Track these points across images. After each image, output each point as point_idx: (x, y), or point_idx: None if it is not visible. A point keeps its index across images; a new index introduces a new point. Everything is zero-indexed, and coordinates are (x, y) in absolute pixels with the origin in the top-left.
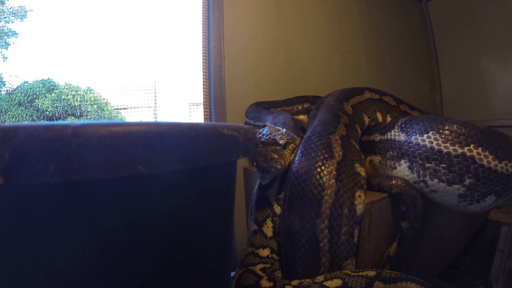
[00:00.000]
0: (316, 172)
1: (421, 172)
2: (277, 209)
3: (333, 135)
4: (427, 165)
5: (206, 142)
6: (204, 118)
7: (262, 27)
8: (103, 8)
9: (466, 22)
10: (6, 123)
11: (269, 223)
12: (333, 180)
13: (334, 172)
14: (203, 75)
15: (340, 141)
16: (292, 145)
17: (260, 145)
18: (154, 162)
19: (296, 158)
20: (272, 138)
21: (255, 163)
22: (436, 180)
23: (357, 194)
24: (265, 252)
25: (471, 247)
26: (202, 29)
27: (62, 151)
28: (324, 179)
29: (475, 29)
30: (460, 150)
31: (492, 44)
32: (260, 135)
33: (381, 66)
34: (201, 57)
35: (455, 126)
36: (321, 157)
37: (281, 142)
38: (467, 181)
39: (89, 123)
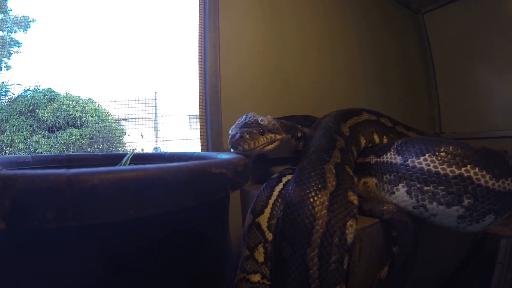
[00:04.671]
0: (308, 202)
1: (419, 197)
2: (269, 236)
3: (327, 164)
4: (425, 188)
5: (194, 184)
6: (201, 139)
7: (258, 46)
8: (105, 20)
9: (463, 33)
10: (6, 132)
11: (260, 249)
12: (325, 211)
13: (326, 203)
14: (199, 95)
15: (334, 170)
16: (272, 135)
17: (242, 125)
18: (143, 207)
19: (290, 187)
20: (254, 119)
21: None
22: (435, 203)
23: (348, 223)
24: (256, 278)
25: (469, 262)
26: (198, 50)
27: (58, 200)
28: (316, 209)
29: (471, 40)
30: (457, 171)
31: (489, 55)
32: (246, 116)
33: (378, 82)
34: (197, 78)
35: (451, 147)
36: (315, 188)
37: (261, 123)
38: (466, 202)
39: (81, 171)
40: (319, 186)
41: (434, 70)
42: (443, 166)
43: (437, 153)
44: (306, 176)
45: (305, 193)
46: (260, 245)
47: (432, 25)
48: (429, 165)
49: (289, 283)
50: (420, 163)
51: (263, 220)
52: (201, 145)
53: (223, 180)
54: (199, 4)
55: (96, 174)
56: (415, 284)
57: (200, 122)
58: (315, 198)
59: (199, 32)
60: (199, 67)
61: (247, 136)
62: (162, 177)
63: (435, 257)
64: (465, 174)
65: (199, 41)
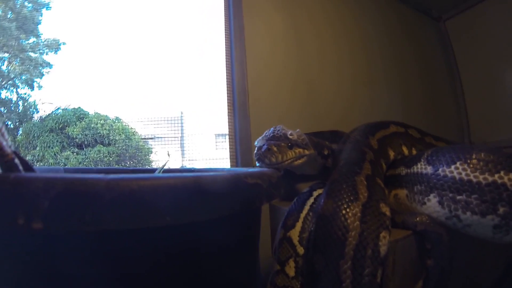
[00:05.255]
0: (341, 214)
1: (452, 206)
2: (300, 250)
3: (358, 176)
4: (458, 197)
5: (230, 193)
6: (230, 155)
7: (284, 62)
8: (132, 41)
9: (487, 37)
10: (37, 148)
11: (291, 263)
12: (357, 222)
13: (359, 214)
14: (227, 112)
15: (365, 182)
16: (300, 150)
17: (270, 138)
18: (180, 214)
19: (322, 200)
20: (283, 133)
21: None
22: (469, 213)
23: (381, 235)
24: None
25: (508, 275)
26: (226, 68)
27: (97, 204)
28: (348, 221)
29: (497, 44)
30: (490, 178)
31: None
32: (274, 128)
33: (403, 94)
34: (225, 95)
35: (482, 154)
36: (347, 199)
37: (290, 137)
38: (501, 210)
39: (121, 177)
40: (351, 198)
41: (460, 78)
42: (475, 173)
43: (468, 161)
44: (337, 188)
45: (337, 205)
46: (291, 259)
47: (455, 31)
48: (460, 173)
49: None
50: (451, 171)
51: (294, 234)
52: (230, 162)
53: (259, 190)
54: (225, 22)
55: (135, 180)
56: None
57: (229, 138)
58: (348, 209)
59: (225, 50)
60: (227, 84)
61: (275, 149)
62: (199, 185)
63: (471, 270)
64: (499, 181)
65: (226, 59)
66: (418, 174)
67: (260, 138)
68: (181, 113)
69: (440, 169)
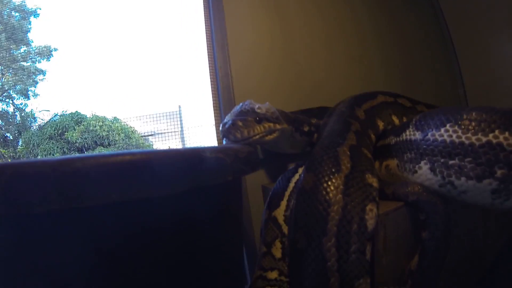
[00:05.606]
0: (322, 187)
1: (445, 173)
2: (286, 229)
3: (340, 147)
4: (450, 162)
5: (184, 167)
6: (218, 140)
7: (266, 41)
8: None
9: (479, 4)
10: (38, 156)
11: (277, 244)
12: (340, 195)
13: (341, 187)
14: (212, 96)
15: (348, 152)
16: (270, 124)
17: (237, 113)
18: (128, 190)
19: (302, 174)
20: (250, 107)
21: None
22: (463, 179)
23: (368, 208)
24: (273, 275)
25: None
26: (207, 51)
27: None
28: (330, 194)
29: (489, 11)
30: (484, 139)
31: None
32: (242, 104)
33: (396, 66)
34: (209, 79)
35: (473, 113)
36: (328, 172)
37: (258, 111)
38: (499, 173)
39: (65, 157)
40: (333, 170)
41: (454, 48)
42: (467, 135)
43: (459, 122)
44: (318, 161)
45: (318, 178)
46: (277, 240)
47: (447, 2)
48: (451, 136)
49: (306, 278)
50: (441, 135)
51: (279, 213)
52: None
53: (221, 165)
54: (204, 7)
55: (79, 160)
56: (450, 278)
57: (215, 122)
58: (329, 182)
59: (206, 35)
60: (209, 69)
61: (240, 124)
62: (148, 161)
63: (472, 243)
64: (494, 141)
65: (207, 44)
66: (407, 141)
67: (227, 114)
68: (179, 107)
69: (430, 134)
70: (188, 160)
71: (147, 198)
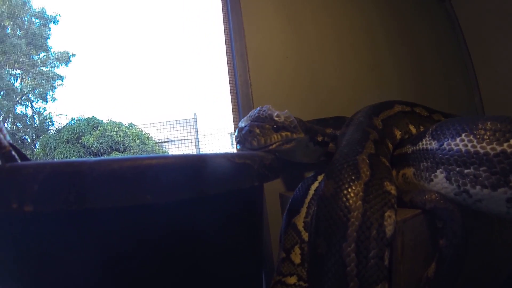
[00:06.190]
0: (342, 194)
1: (460, 181)
2: (305, 236)
3: (360, 155)
4: (466, 171)
5: (215, 172)
6: (235, 147)
7: (283, 50)
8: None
9: (493, 10)
10: (55, 159)
11: (297, 250)
12: (360, 202)
13: (361, 194)
14: (231, 104)
15: (367, 161)
16: (288, 133)
17: (254, 118)
18: (162, 192)
19: (322, 182)
20: (268, 113)
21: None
22: (478, 187)
23: (386, 214)
24: (292, 280)
25: None
26: (227, 60)
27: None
28: (350, 201)
29: (504, 16)
30: (499, 148)
31: None
32: (260, 108)
33: (409, 74)
34: (229, 87)
35: (488, 123)
36: (348, 179)
37: (276, 119)
38: None
39: (102, 159)
40: (353, 177)
41: (470, 56)
42: (482, 144)
43: (474, 131)
44: (338, 169)
45: (338, 185)
46: (297, 246)
47: (461, 9)
48: (466, 145)
49: (325, 282)
50: (456, 144)
51: (299, 220)
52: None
53: (248, 170)
54: (223, 17)
55: (116, 161)
56: (468, 285)
57: (234, 130)
58: (349, 189)
59: (225, 44)
60: (229, 77)
61: (258, 131)
62: (178, 164)
63: (490, 251)
64: (508, 150)
65: (226, 52)
66: (424, 151)
67: (244, 118)
68: (195, 114)
69: (445, 143)
70: (221, 165)
71: (183, 200)
